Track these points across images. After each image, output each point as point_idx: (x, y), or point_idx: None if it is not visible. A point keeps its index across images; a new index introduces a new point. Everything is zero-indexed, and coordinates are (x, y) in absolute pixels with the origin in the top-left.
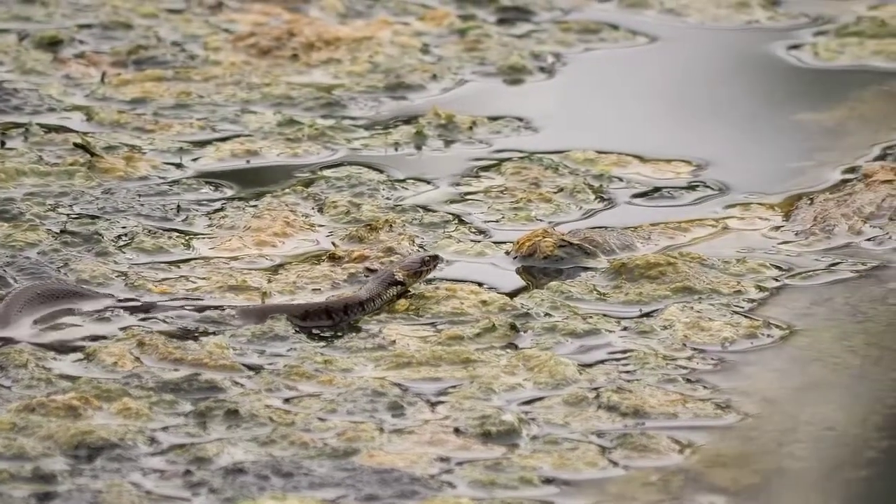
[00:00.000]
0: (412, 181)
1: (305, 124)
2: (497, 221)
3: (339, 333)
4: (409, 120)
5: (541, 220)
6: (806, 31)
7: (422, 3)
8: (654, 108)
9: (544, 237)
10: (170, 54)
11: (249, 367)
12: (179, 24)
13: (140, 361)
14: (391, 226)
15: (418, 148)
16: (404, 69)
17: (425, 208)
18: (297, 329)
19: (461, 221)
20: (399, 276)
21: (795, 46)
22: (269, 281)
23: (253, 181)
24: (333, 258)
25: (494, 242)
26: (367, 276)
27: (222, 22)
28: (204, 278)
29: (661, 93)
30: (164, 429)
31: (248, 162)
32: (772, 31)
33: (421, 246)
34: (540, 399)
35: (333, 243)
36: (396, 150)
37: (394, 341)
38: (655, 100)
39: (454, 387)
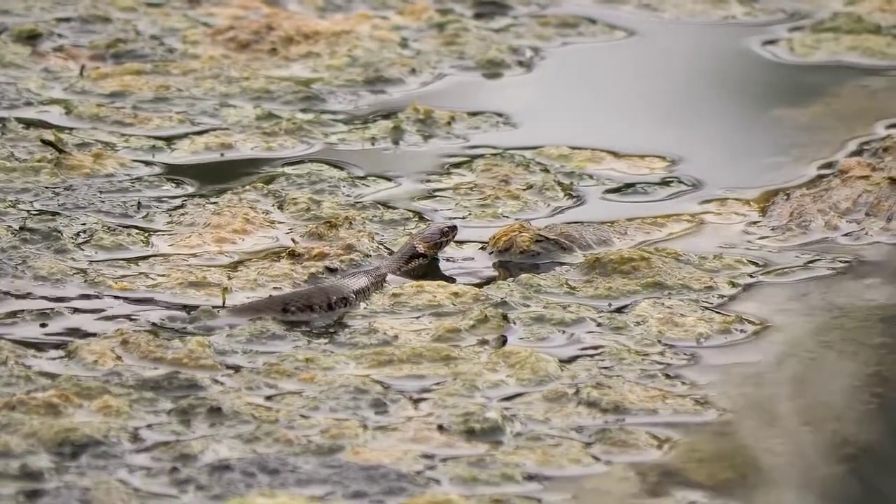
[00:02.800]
0: (374, 178)
1: (283, 119)
2: (464, 218)
3: (331, 329)
4: (387, 114)
5: (507, 217)
6: (782, 26)
7: None
8: (629, 104)
9: (520, 232)
10: (148, 48)
11: (229, 367)
12: (158, 18)
13: (121, 359)
14: (351, 223)
15: (395, 143)
16: (383, 63)
17: (385, 205)
18: (287, 327)
19: (422, 218)
20: (420, 249)
21: (771, 42)
22: (230, 278)
23: (221, 176)
24: (293, 255)
25: (457, 242)
26: (325, 276)
27: (201, 16)
28: (163, 275)
29: (636, 88)
30: (148, 426)
31: (221, 155)
32: (748, 27)
33: (381, 243)
34: (520, 395)
35: (293, 240)
36: (373, 144)
37: (396, 336)
38: (631, 95)
39: (438, 384)
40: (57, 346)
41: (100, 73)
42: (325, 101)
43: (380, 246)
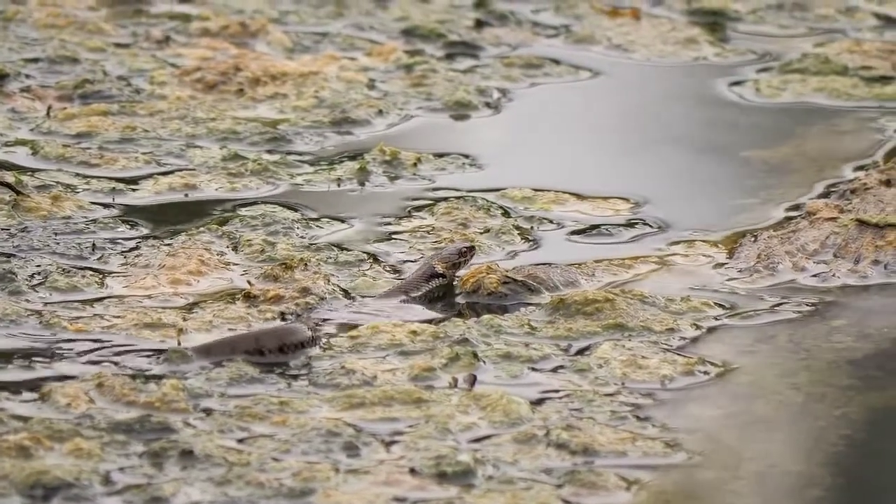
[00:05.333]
0: (330, 220)
1: (249, 159)
2: (415, 261)
3: (302, 371)
4: (354, 156)
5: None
6: (752, 67)
7: (369, 38)
8: (594, 145)
9: (488, 274)
10: (116, 88)
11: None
12: (126, 59)
13: (93, 402)
14: (306, 264)
15: (362, 184)
16: (350, 104)
17: (340, 247)
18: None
19: (376, 260)
20: (439, 269)
21: (737, 83)
22: (185, 319)
23: (184, 217)
24: (248, 297)
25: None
26: (282, 320)
27: (169, 56)
28: (118, 316)
29: (602, 129)
30: (120, 469)
31: (186, 196)
32: (718, 68)
33: (337, 285)
34: (489, 437)
35: (248, 282)
36: (339, 185)
37: (375, 376)
38: (597, 136)
39: (410, 426)
40: (31, 389)
41: (67, 113)
42: (292, 141)
43: (336, 288)
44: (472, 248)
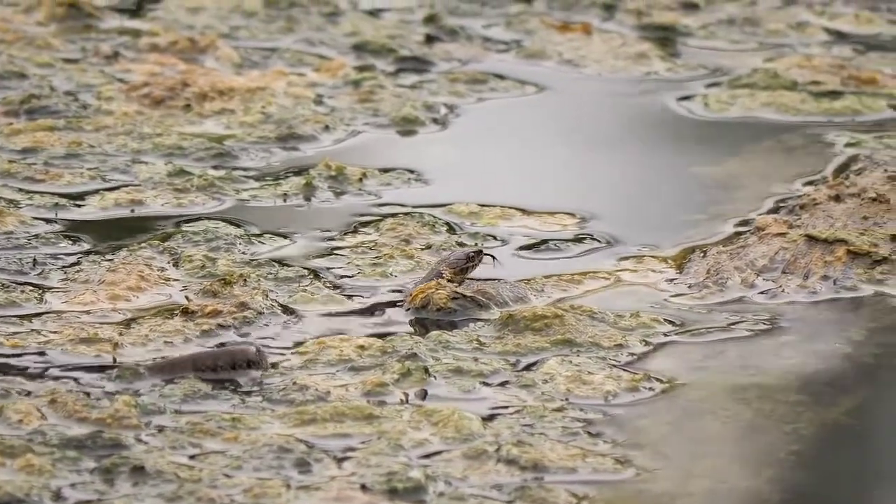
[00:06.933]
0: (272, 235)
1: (195, 175)
2: (352, 276)
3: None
4: (299, 171)
5: (395, 277)
6: (702, 82)
7: (320, 53)
8: (541, 160)
9: (437, 290)
10: (63, 104)
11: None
12: (75, 74)
13: (45, 418)
14: (245, 280)
15: (308, 199)
16: (297, 120)
17: (281, 262)
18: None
19: (316, 276)
20: (446, 275)
21: (686, 98)
22: (121, 334)
23: (127, 232)
24: (186, 312)
25: (347, 296)
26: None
27: (118, 72)
28: (56, 332)
29: (550, 144)
30: (71, 485)
31: (132, 211)
32: (668, 83)
33: (275, 303)
34: (440, 453)
35: (187, 297)
36: (285, 201)
37: (328, 392)
38: (544, 151)
39: (362, 443)
40: None
41: (13, 129)
42: (238, 157)
43: (274, 303)
44: (479, 253)
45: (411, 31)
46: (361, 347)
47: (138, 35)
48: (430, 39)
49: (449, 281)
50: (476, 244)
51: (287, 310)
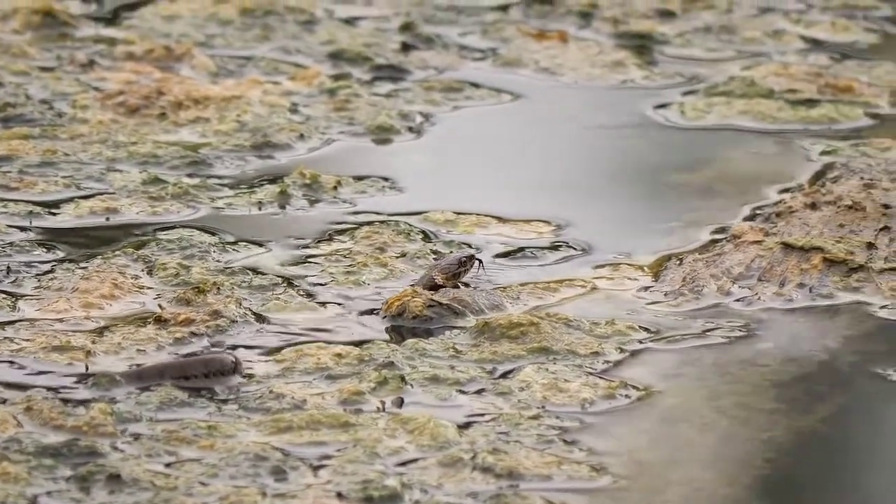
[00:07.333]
0: (246, 244)
1: (170, 183)
2: (325, 285)
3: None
4: (274, 179)
5: (368, 285)
6: (678, 90)
7: (296, 61)
8: (517, 168)
9: (413, 297)
10: (38, 112)
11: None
12: (50, 82)
13: (21, 426)
14: (219, 288)
15: (282, 207)
16: (272, 128)
17: (255, 271)
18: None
19: (290, 284)
20: (438, 280)
21: (662, 106)
22: (94, 342)
23: (102, 241)
24: (159, 321)
25: (321, 303)
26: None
27: (93, 80)
28: (28, 340)
29: (525, 152)
30: (47, 493)
31: (107, 220)
32: (644, 91)
33: (248, 311)
34: (415, 461)
35: (160, 305)
36: (260, 209)
37: (304, 400)
38: (519, 159)
39: (338, 451)
40: None
41: None
42: (213, 165)
43: (247, 311)
44: (472, 258)
45: (387, 40)
46: (339, 356)
47: (114, 43)
48: (406, 48)
49: (442, 286)
50: (470, 246)
51: (260, 318)
